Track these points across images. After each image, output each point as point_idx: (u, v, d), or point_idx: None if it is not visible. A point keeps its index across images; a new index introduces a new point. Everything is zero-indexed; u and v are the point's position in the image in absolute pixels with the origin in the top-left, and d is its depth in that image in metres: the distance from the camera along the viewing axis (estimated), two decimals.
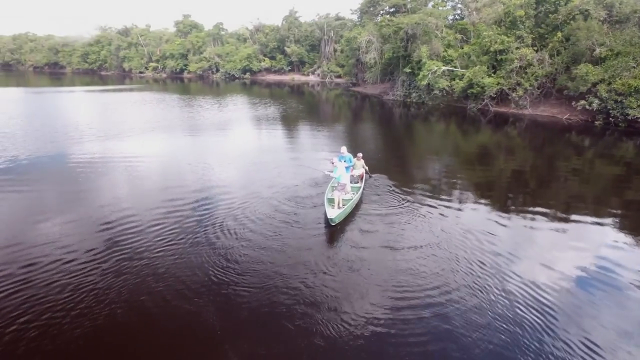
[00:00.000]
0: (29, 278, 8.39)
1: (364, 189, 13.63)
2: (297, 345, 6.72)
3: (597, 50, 27.96)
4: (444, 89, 35.74)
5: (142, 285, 8.21)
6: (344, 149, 14.32)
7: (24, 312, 7.38)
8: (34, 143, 20.42)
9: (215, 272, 8.69)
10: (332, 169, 12.56)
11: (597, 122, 26.93)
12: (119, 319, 7.27)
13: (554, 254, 9.77)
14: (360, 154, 14.40)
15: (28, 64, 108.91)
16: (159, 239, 10.15)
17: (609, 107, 26.07)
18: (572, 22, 30.35)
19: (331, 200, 11.87)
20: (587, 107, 27.25)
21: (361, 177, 14.06)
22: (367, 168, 14.48)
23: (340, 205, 11.58)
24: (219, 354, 6.57)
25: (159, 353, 6.61)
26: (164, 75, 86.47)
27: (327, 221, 10.91)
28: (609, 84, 26.33)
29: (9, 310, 7.42)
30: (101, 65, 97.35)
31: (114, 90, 54.11)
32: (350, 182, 13.06)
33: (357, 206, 12.40)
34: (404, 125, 31.46)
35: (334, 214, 10.84)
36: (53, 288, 8.04)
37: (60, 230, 10.66)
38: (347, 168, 13.15)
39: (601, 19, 29.65)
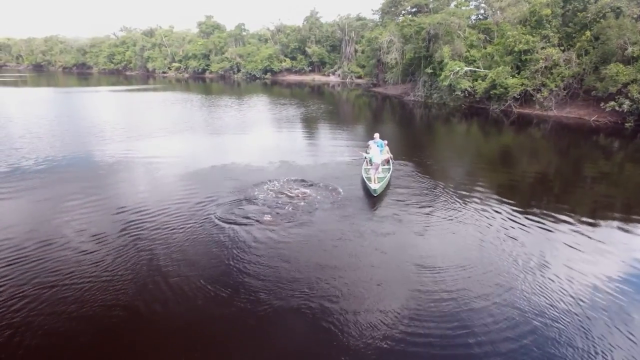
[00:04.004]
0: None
1: (392, 171, 15.32)
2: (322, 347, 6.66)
3: (629, 49, 26.84)
4: (466, 89, 35.03)
5: (155, 277, 8.31)
6: (377, 135, 16.09)
7: (31, 287, 7.74)
8: (64, 143, 20.78)
9: (237, 266, 8.73)
10: (367, 152, 14.92)
11: (627, 124, 25.85)
12: (126, 311, 7.37)
13: (582, 261, 9.32)
14: (385, 141, 16.30)
15: (58, 65, 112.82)
16: (181, 232, 10.28)
17: None
18: (602, 20, 29.23)
19: (368, 178, 13.88)
20: (616, 108, 26.21)
21: (387, 161, 15.74)
22: (391, 155, 16.13)
23: (376, 181, 13.60)
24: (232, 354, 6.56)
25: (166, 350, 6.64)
26: (186, 75, 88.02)
27: (369, 193, 13.18)
28: None
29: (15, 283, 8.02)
30: (126, 66, 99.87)
31: (138, 90, 55.43)
32: None
33: (388, 185, 14.21)
34: (425, 126, 31.04)
35: (376, 186, 13.09)
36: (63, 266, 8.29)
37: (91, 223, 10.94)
38: (380, 151, 14.97)
39: (635, 16, 28.47)
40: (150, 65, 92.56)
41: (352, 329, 6.89)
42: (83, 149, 19.72)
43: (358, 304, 7.60)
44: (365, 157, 14.81)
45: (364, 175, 14.46)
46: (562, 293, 8.01)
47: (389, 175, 14.66)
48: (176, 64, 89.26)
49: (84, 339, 6.73)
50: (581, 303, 7.72)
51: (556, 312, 7.43)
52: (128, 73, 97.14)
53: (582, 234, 10.80)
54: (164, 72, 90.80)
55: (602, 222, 11.68)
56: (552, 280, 8.44)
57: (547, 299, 7.82)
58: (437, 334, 6.86)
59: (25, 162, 16.83)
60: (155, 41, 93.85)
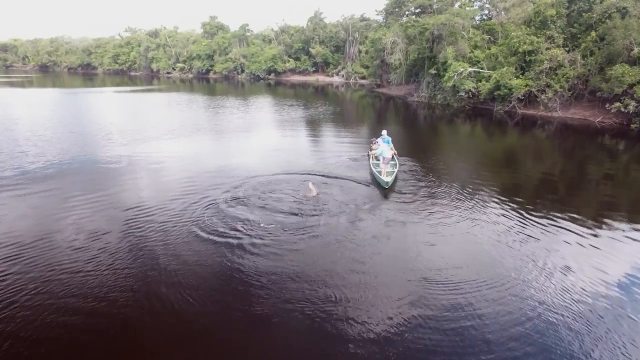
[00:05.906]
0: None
1: (398, 166, 16.12)
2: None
3: (635, 50, 26.73)
4: (469, 90, 35.00)
5: (153, 278, 8.39)
6: (384, 132, 17.23)
7: (27, 281, 8.18)
8: (71, 146, 20.75)
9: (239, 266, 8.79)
10: (375, 148, 16.20)
11: (633, 126, 25.74)
12: (124, 311, 7.43)
13: (610, 267, 9.06)
14: (389, 138, 17.27)
15: (63, 65, 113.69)
16: (182, 234, 10.31)
17: None
18: (607, 20, 29.12)
19: (379, 172, 14.87)
20: (622, 109, 26.11)
21: (392, 157, 16.53)
22: (395, 151, 16.84)
23: (386, 175, 14.67)
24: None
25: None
26: (190, 75, 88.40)
27: (381, 186, 14.13)
28: None
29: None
30: (130, 66, 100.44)
31: (142, 91, 55.68)
32: None
33: (395, 182, 14.81)
34: (430, 127, 31.01)
35: (388, 179, 14.16)
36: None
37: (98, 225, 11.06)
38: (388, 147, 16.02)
39: None
40: (154, 66, 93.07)
41: (357, 340, 6.75)
42: (89, 151, 19.77)
43: (365, 312, 7.41)
44: (374, 153, 16.17)
45: (374, 170, 15.37)
46: (597, 301, 7.72)
47: (396, 169, 15.67)
48: (180, 65, 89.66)
49: (76, 334, 6.88)
50: (616, 312, 7.44)
51: (593, 326, 7.08)
52: (132, 73, 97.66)
53: (608, 238, 10.52)
54: (168, 73, 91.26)
55: (630, 225, 11.38)
56: (583, 289, 8.08)
57: (580, 310, 7.47)
58: (455, 350, 6.58)
59: (32, 166, 16.86)
60: (159, 42, 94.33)
